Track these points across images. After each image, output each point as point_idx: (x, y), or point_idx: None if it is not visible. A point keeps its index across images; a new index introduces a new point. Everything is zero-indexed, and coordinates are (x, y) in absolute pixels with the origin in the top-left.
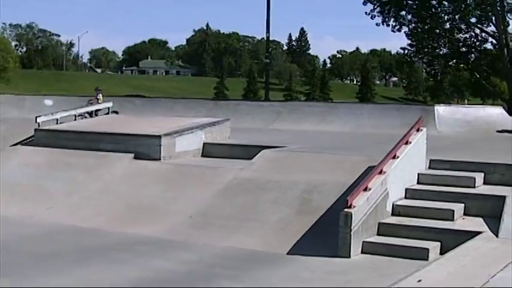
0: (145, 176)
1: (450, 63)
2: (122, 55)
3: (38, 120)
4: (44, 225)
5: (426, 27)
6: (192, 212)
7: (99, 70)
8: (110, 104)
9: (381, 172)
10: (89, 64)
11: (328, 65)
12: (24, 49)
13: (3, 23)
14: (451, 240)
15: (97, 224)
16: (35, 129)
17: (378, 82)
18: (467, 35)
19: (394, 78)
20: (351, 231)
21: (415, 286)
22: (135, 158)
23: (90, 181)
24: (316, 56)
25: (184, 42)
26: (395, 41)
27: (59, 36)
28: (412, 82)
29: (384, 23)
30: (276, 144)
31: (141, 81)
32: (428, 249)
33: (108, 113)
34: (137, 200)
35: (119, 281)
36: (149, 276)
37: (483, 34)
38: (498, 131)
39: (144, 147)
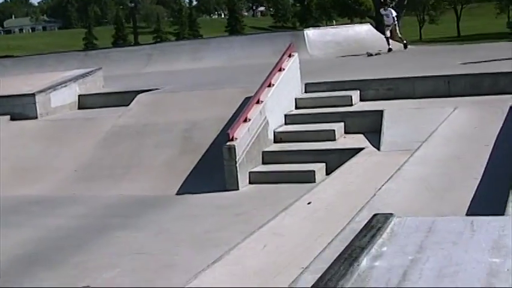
0: (24, 136)
1: None
2: None
3: None
4: None
5: None
6: (75, 166)
7: None
8: None
9: (258, 102)
10: None
11: (195, 3)
12: None
13: None
14: (336, 159)
15: None
16: None
17: (246, 13)
18: None
19: (262, 8)
20: (236, 163)
21: (305, 209)
22: (12, 119)
23: None
24: None
25: None
26: None
27: None
28: (279, 10)
29: None
30: (151, 88)
31: (7, 41)
32: (314, 171)
33: None
34: (19, 161)
35: (10, 244)
36: (41, 235)
37: None
38: (369, 55)
39: (19, 107)
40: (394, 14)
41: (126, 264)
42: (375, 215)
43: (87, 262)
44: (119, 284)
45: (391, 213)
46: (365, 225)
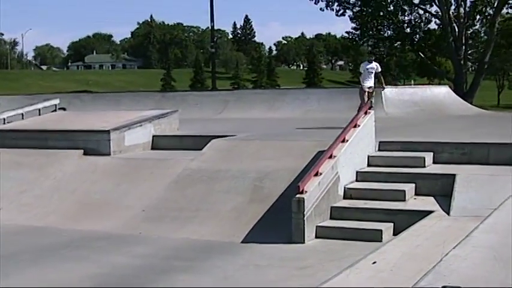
0: (95, 171)
1: (395, 44)
2: (67, 51)
3: None
4: None
5: (370, 10)
6: (144, 206)
7: (44, 67)
8: (57, 101)
9: (331, 156)
10: (34, 61)
11: (274, 52)
12: None
13: None
14: (404, 220)
15: (50, 222)
16: None
17: (325, 66)
18: (411, 16)
19: (340, 62)
20: (304, 216)
21: (370, 268)
22: (85, 154)
23: (41, 179)
24: (262, 43)
25: (129, 35)
26: (340, 25)
27: (2, 35)
28: (358, 65)
29: (328, 8)
30: (225, 133)
31: (87, 76)
32: (381, 230)
33: (55, 110)
34: (89, 196)
35: (75, 279)
36: (105, 271)
37: (427, 14)
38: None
39: (94, 143)
40: (379, 69)
41: None
42: (444, 287)
43: None
44: None
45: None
46: None
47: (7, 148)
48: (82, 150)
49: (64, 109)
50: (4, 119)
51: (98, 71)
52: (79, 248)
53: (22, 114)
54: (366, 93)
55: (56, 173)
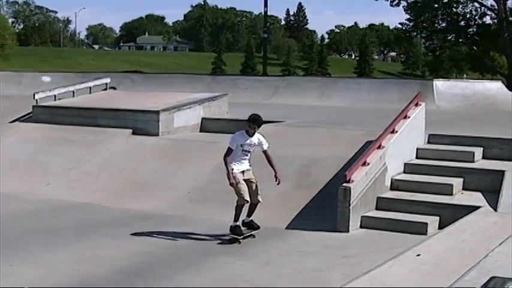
0: (143, 151)
1: (449, 37)
2: (119, 31)
3: (36, 97)
4: (44, 201)
5: (424, 1)
6: (190, 187)
7: (96, 46)
8: (107, 80)
9: (379, 147)
10: (86, 41)
11: (326, 40)
12: (21, 26)
13: (0, 1)
14: (450, 214)
15: (96, 199)
16: (33, 106)
17: (376, 57)
18: (466, 9)
19: (393, 53)
20: (349, 205)
21: (414, 260)
22: (134, 133)
23: (89, 157)
24: (314, 31)
25: (182, 18)
26: (394, 16)
27: (56, 12)
28: (410, 57)
29: None
30: (274, 119)
31: (138, 57)
32: (427, 223)
33: (106, 89)
34: (136, 175)
35: (118, 256)
36: (148, 250)
37: (482, 8)
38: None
39: (143, 123)
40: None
41: None
42: (493, 277)
43: (191, 282)
44: None
45: (510, 278)
46: (482, 286)
47: (57, 125)
48: (131, 130)
49: (114, 88)
50: (55, 96)
51: (149, 52)
52: (124, 226)
53: (73, 91)
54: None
55: (104, 151)
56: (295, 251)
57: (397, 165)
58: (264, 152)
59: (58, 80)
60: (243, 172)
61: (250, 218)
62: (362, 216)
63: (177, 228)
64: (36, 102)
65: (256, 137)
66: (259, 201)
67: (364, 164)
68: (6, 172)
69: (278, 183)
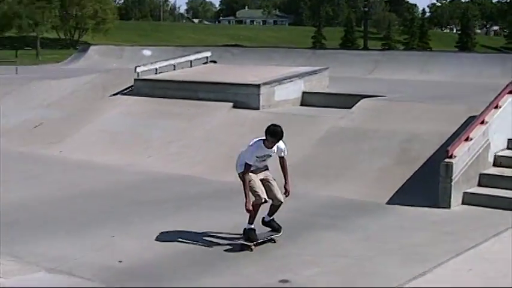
0: (244, 125)
1: None
2: (219, 5)
3: (137, 70)
4: (145, 173)
5: None
6: (291, 161)
7: (196, 20)
8: (208, 54)
9: (482, 122)
10: (185, 15)
11: (428, 14)
12: (122, 1)
13: None
14: None
15: (197, 172)
16: (135, 79)
17: (479, 31)
18: None
19: (495, 27)
20: (451, 181)
21: None
22: (234, 107)
23: (190, 130)
24: (415, 5)
25: None
26: None
27: None
28: None
29: None
30: (375, 93)
31: (238, 31)
32: None
33: (206, 63)
34: (236, 148)
35: (217, 228)
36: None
37: None
38: None
39: (243, 96)
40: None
41: (327, 264)
42: None
43: (291, 256)
44: (317, 282)
45: None
46: None
47: (158, 98)
48: (231, 103)
49: (215, 62)
50: (156, 69)
51: (249, 26)
52: (223, 199)
53: (174, 65)
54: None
55: (205, 124)
56: (396, 227)
57: (501, 141)
58: (281, 158)
59: (158, 54)
60: (256, 171)
61: (272, 217)
62: (464, 193)
63: None
64: (138, 75)
65: (276, 146)
66: (281, 202)
67: (466, 139)
68: (107, 145)
69: (287, 195)
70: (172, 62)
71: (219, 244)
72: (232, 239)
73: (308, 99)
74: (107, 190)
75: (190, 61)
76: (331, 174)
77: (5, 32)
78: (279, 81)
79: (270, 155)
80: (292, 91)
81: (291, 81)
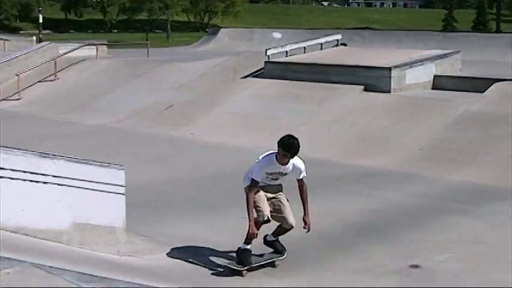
0: (375, 108)
1: None
2: None
3: (268, 53)
4: None
5: None
6: (422, 145)
7: (325, 3)
8: (338, 36)
9: None
10: None
11: None
12: None
13: None
14: None
15: (327, 155)
16: (265, 62)
17: None
18: None
19: None
20: None
21: None
22: (365, 90)
23: (320, 113)
24: None
25: None
26: None
27: None
28: None
29: None
30: (509, 77)
31: (368, 13)
32: None
33: (336, 45)
34: (367, 132)
35: (347, 211)
36: (377, 207)
37: None
38: None
39: (374, 79)
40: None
41: (459, 250)
42: None
43: (420, 241)
44: (449, 268)
45: None
46: None
47: (289, 80)
48: (362, 86)
49: (345, 45)
50: (286, 52)
51: (379, 9)
52: (353, 182)
53: (304, 47)
54: None
55: (335, 107)
56: None
57: None
58: (299, 180)
59: (288, 37)
60: (265, 189)
61: (275, 238)
62: None
63: (405, 186)
64: (268, 58)
65: (291, 164)
66: (292, 227)
67: None
68: (237, 127)
69: (308, 231)
70: (302, 44)
71: (348, 227)
72: (358, 224)
73: (439, 83)
74: (236, 172)
75: (321, 44)
76: (463, 159)
77: (136, 15)
78: (410, 64)
79: (284, 174)
80: (423, 74)
81: (422, 64)
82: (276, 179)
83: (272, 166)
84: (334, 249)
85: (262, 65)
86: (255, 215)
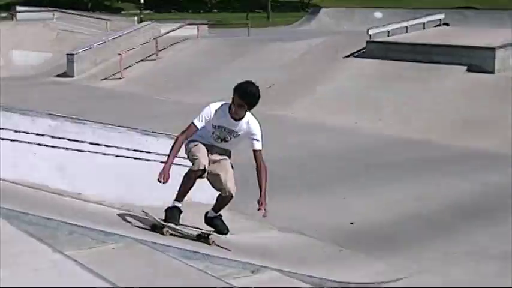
0: (478, 89)
1: None
2: None
3: (369, 33)
4: (374, 136)
5: None
6: None
7: None
8: (441, 16)
9: None
10: None
11: None
12: None
13: None
14: None
15: (428, 136)
16: (367, 41)
17: None
18: None
19: None
20: None
21: None
22: (468, 70)
23: (422, 93)
24: None
25: None
26: None
27: None
28: None
29: None
30: None
31: None
32: None
33: (439, 25)
34: (470, 113)
35: (448, 194)
36: (477, 190)
37: None
38: None
39: (478, 60)
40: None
41: None
42: None
43: None
44: None
45: None
46: None
47: (391, 60)
48: (465, 67)
49: (447, 24)
50: (388, 31)
51: None
52: (455, 164)
53: (407, 27)
54: None
55: (438, 88)
56: None
57: None
58: (254, 152)
59: (389, 16)
60: (209, 149)
61: (217, 214)
62: None
63: (510, 169)
64: (370, 37)
65: (245, 123)
66: (231, 195)
67: None
68: (339, 106)
69: (264, 216)
70: (404, 24)
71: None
72: (462, 207)
73: None
74: (337, 151)
75: (423, 23)
76: None
77: None
78: None
79: (235, 134)
80: None
81: None
82: (224, 140)
83: (223, 118)
84: (435, 231)
85: (364, 45)
86: (192, 164)
